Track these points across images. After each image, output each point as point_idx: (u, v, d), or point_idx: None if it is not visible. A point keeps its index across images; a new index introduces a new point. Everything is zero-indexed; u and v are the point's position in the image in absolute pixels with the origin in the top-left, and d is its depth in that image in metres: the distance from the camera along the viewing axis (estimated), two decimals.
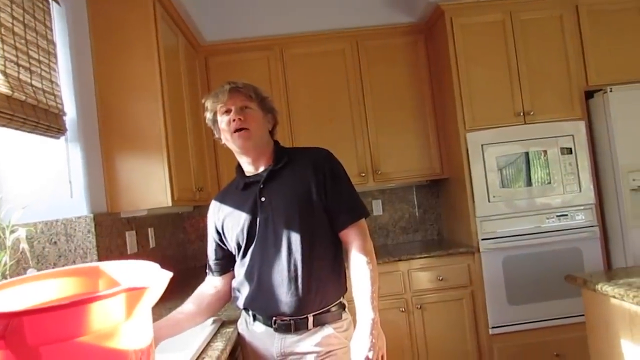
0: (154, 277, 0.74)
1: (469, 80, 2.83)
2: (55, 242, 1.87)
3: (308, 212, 1.42)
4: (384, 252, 2.91)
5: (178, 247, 3.15)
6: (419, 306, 2.75)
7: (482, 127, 2.82)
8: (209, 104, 1.50)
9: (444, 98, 3.04)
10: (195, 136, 2.70)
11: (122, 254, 2.14)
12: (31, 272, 1.31)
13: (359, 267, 1.40)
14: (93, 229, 1.89)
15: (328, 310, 1.42)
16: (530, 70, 2.85)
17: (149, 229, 2.55)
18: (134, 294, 0.69)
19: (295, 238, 1.40)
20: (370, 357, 1.26)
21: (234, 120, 1.43)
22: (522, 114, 2.83)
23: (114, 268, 0.90)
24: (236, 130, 1.43)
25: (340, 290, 1.47)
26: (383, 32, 3.15)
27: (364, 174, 3.08)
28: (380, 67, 3.13)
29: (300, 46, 3.13)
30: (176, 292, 2.44)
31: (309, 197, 1.43)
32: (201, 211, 3.33)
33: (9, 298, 0.79)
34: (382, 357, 1.31)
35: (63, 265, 1.88)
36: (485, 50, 2.86)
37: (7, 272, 1.42)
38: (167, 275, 0.75)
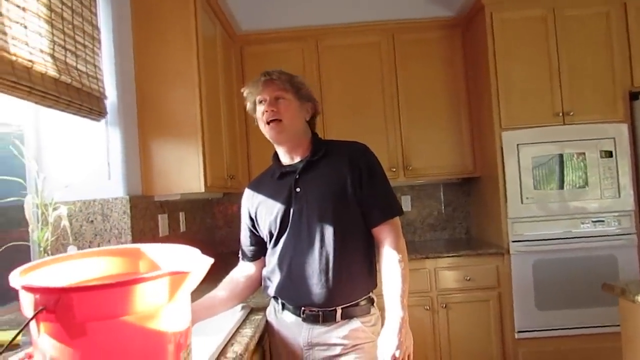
0: (196, 262, 0.76)
1: (506, 78, 2.77)
2: (92, 221, 1.93)
3: (342, 206, 1.42)
4: (411, 249, 2.89)
5: (207, 232, 3.20)
6: (444, 305, 2.72)
7: (519, 127, 2.76)
8: (246, 93, 1.51)
9: (480, 95, 2.98)
10: (229, 125, 2.73)
11: (154, 236, 2.19)
12: (71, 249, 1.36)
13: (391, 265, 1.39)
14: (128, 210, 1.94)
15: (357, 304, 1.42)
16: (572, 69, 2.76)
17: (180, 213, 2.60)
18: (177, 277, 0.71)
19: (328, 230, 1.40)
20: (397, 355, 1.26)
21: (266, 111, 1.44)
22: (561, 114, 2.75)
23: (154, 251, 0.92)
24: (269, 122, 1.44)
25: (370, 285, 1.47)
26: (419, 26, 3.11)
27: (394, 169, 3.06)
28: (415, 62, 3.09)
29: (335, 38, 3.12)
30: (205, 277, 2.50)
31: (343, 191, 1.43)
32: (230, 198, 3.37)
33: (56, 273, 0.81)
34: (409, 356, 1.31)
35: (98, 244, 1.94)
36: (525, 47, 2.78)
37: (49, 248, 1.47)
38: (209, 261, 0.77)
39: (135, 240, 1.96)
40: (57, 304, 0.63)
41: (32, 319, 0.64)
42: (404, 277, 1.37)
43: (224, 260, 2.96)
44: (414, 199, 3.43)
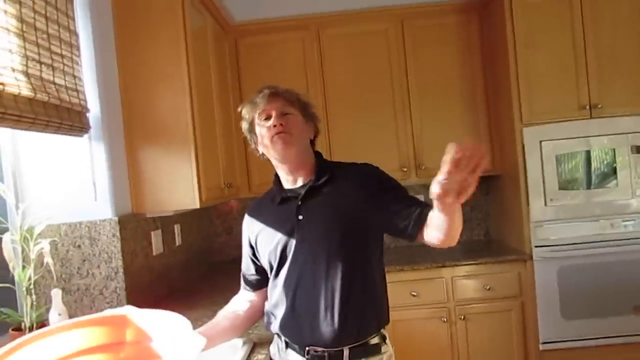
0: (185, 346, 0.72)
1: (527, 68, 2.68)
2: (79, 246, 1.91)
3: (349, 234, 1.38)
4: (426, 256, 2.85)
5: (204, 241, 3.18)
6: (462, 317, 2.70)
7: (541, 122, 2.68)
8: (246, 111, 1.46)
9: (499, 87, 2.90)
10: (224, 127, 2.67)
11: (147, 256, 2.17)
12: (55, 293, 1.33)
13: None
14: (118, 233, 1.91)
15: (366, 343, 1.39)
16: (600, 58, 2.67)
17: (175, 226, 2.57)
18: None
19: (334, 262, 1.36)
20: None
21: (274, 125, 1.39)
22: (588, 107, 2.67)
23: (142, 317, 0.88)
24: (276, 134, 1.39)
25: (381, 321, 1.43)
26: (432, 11, 3.01)
27: (405, 169, 3.01)
28: (427, 50, 3.01)
29: (338, 26, 3.03)
30: (203, 290, 2.49)
31: (351, 218, 1.38)
32: (229, 202, 3.34)
33: (34, 353, 0.78)
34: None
35: (87, 270, 1.92)
36: (548, 33, 2.69)
37: (32, 287, 1.45)
38: (200, 343, 0.73)
39: (126, 262, 1.94)
40: None
41: None
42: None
43: (222, 271, 3.00)
44: (428, 199, 3.37)
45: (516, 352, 2.72)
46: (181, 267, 2.62)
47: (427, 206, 1.33)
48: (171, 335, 0.77)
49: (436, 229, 1.24)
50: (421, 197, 3.34)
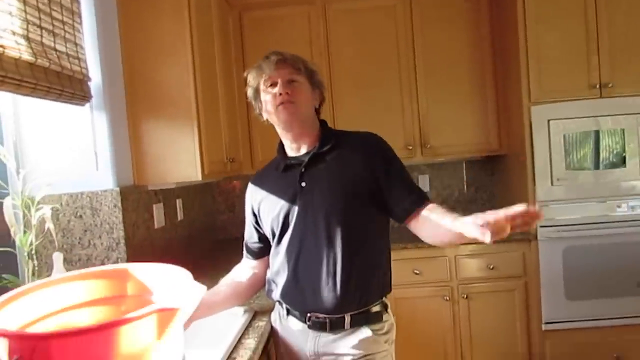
0: (186, 294, 0.73)
1: (538, 45, 2.66)
2: (80, 216, 1.92)
3: (352, 202, 1.39)
4: None
5: (206, 217, 3.20)
6: (465, 296, 2.72)
7: (550, 100, 2.67)
8: (251, 77, 1.47)
9: (508, 64, 2.88)
10: (228, 101, 2.67)
11: (148, 228, 2.19)
12: (57, 256, 1.35)
13: (440, 210, 1.31)
14: (119, 204, 1.92)
15: (368, 311, 1.41)
16: (613, 36, 2.64)
17: (177, 200, 2.59)
18: (165, 314, 0.69)
19: (336, 229, 1.37)
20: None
21: (280, 94, 1.39)
22: (598, 86, 2.65)
23: (143, 271, 0.90)
24: (281, 103, 1.40)
25: (383, 289, 1.45)
26: None
27: (411, 147, 3.00)
28: (436, 27, 2.99)
29: (345, 1, 3.01)
30: (206, 267, 2.52)
31: (354, 185, 1.39)
32: (231, 177, 3.35)
33: (37, 303, 0.80)
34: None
35: (89, 240, 1.94)
36: (560, 9, 2.66)
37: (33, 252, 1.46)
38: (200, 290, 0.74)
39: (128, 234, 1.96)
40: (34, 353, 0.61)
41: None
42: None
43: (225, 249, 3.02)
44: (433, 179, 3.38)
45: (519, 332, 2.74)
46: (183, 243, 2.64)
47: (423, 197, 1.39)
48: (172, 287, 0.78)
49: (438, 234, 1.30)
50: (426, 177, 3.37)
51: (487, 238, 1.03)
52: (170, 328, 0.70)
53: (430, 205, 1.37)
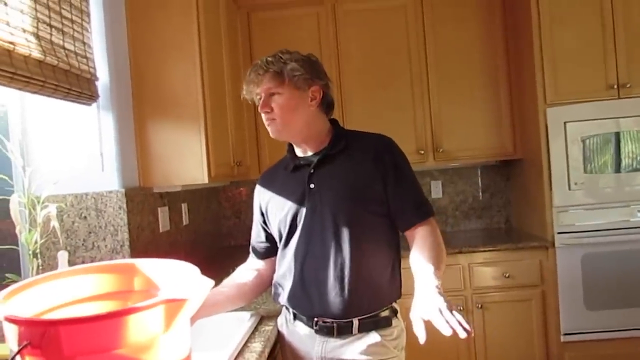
0: (194, 286, 0.76)
1: (553, 45, 2.68)
2: (85, 217, 1.96)
3: (362, 205, 1.41)
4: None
5: (212, 223, 3.23)
6: (479, 305, 2.71)
7: (566, 102, 2.68)
8: (246, 92, 1.49)
9: (522, 65, 2.89)
10: (235, 104, 2.71)
11: (153, 232, 2.22)
12: (62, 254, 1.38)
13: (425, 245, 1.37)
14: (124, 205, 1.95)
15: (376, 316, 1.42)
16: (630, 33, 2.65)
17: (182, 205, 2.62)
18: (173, 305, 0.71)
19: (345, 232, 1.39)
20: (443, 308, 1.07)
21: (261, 112, 1.44)
22: (616, 86, 2.66)
23: (150, 266, 0.92)
24: (267, 120, 1.45)
25: (392, 294, 1.46)
26: None
27: (422, 152, 3.02)
28: (448, 27, 3.02)
29: (355, 1, 3.05)
30: (210, 274, 2.53)
31: (364, 189, 1.41)
32: (238, 184, 3.38)
33: (44, 295, 0.83)
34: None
35: (93, 242, 1.97)
36: (576, 7, 2.68)
37: (38, 251, 1.50)
38: (208, 284, 0.77)
39: (132, 236, 1.99)
40: (43, 339, 0.64)
41: (16, 354, 0.65)
42: (440, 257, 1.33)
43: (231, 255, 3.04)
44: (446, 184, 3.39)
45: (536, 344, 2.73)
46: (188, 247, 2.67)
47: (426, 213, 1.45)
48: (179, 283, 0.80)
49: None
50: (438, 183, 3.37)
51: (420, 338, 1.07)
52: (178, 319, 0.72)
53: (425, 229, 1.42)
